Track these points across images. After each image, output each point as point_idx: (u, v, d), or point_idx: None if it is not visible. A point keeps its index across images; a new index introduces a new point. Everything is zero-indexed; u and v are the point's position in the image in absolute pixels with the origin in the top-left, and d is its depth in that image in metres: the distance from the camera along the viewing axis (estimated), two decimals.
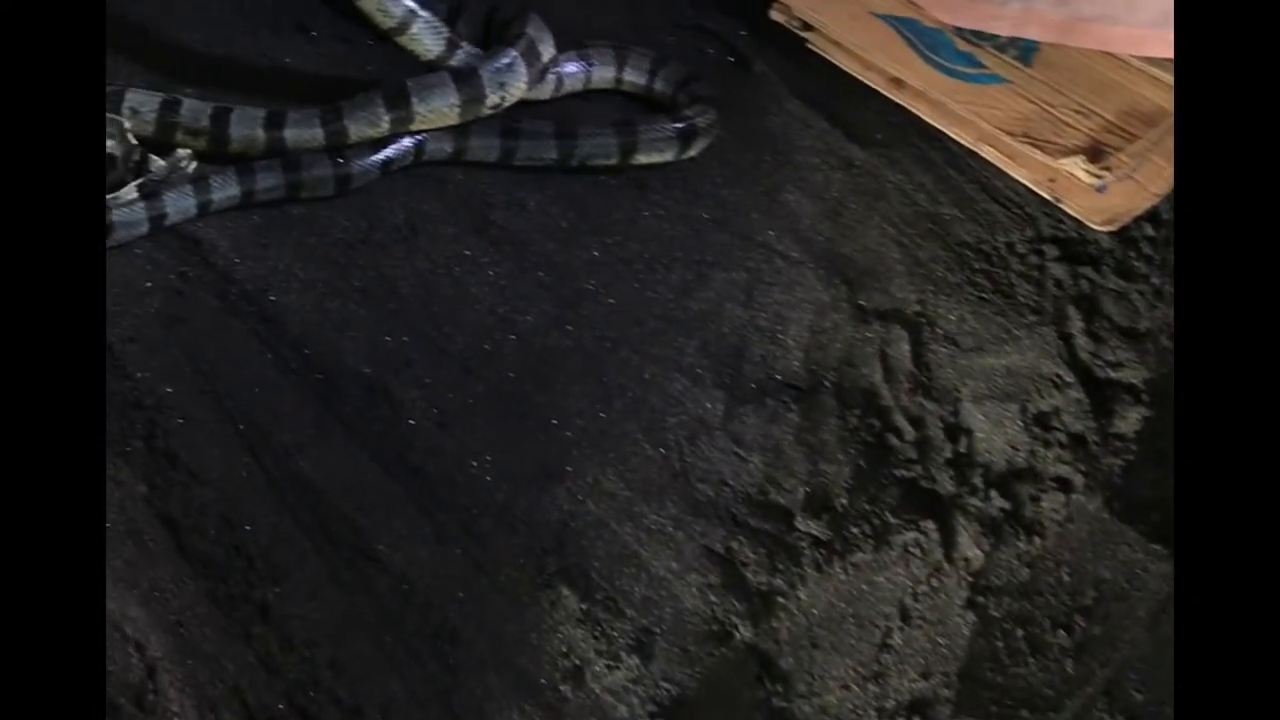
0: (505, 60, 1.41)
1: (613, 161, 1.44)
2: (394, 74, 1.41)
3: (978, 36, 1.54)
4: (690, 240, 1.40)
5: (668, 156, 1.45)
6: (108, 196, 1.32)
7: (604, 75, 1.53)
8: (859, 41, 1.54)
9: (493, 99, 1.40)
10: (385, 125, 1.38)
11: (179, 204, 1.34)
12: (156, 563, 1.12)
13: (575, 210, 1.41)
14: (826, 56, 1.55)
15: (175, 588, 1.10)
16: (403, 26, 1.40)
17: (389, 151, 1.39)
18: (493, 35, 1.47)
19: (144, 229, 1.33)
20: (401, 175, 1.40)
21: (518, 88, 1.42)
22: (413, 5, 1.39)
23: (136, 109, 1.38)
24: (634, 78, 1.54)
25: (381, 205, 1.38)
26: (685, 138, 1.45)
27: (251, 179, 1.36)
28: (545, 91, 1.49)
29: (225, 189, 1.35)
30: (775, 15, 1.57)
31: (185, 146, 1.37)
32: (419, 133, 1.40)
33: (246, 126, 1.38)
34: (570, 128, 1.44)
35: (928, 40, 1.54)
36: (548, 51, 1.45)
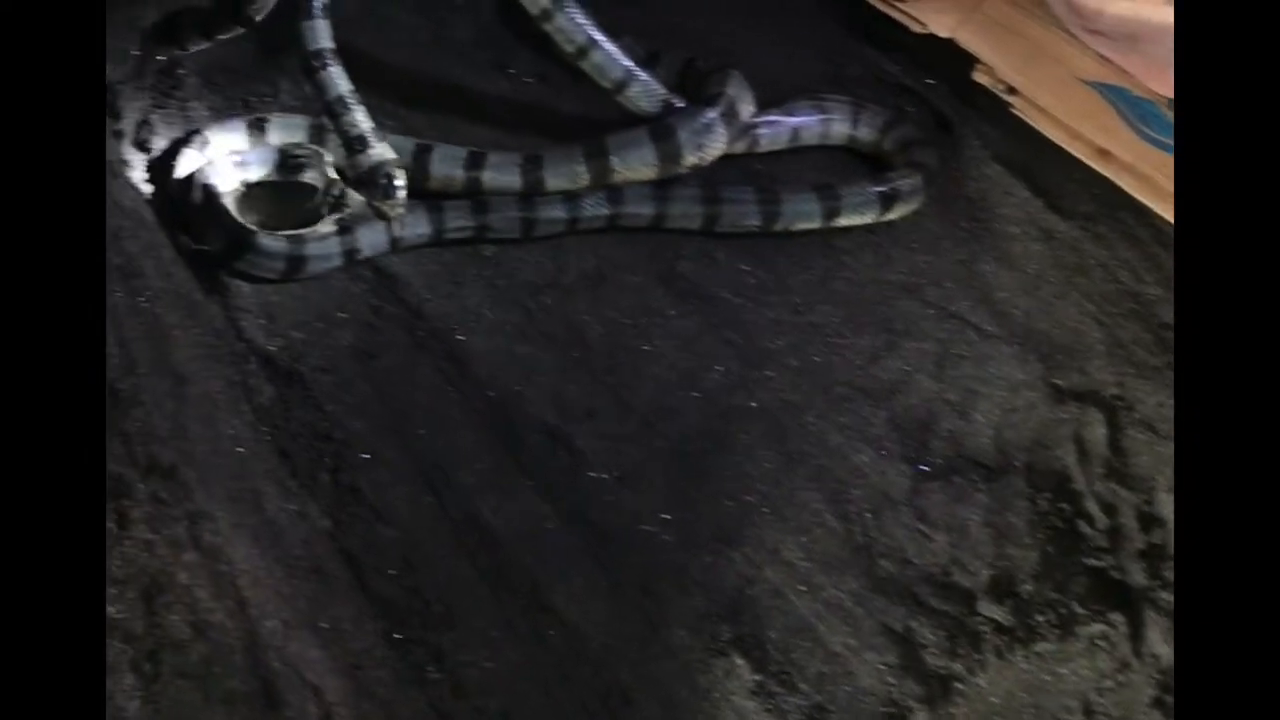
0: (705, 120, 1.42)
1: (815, 225, 1.44)
2: (590, 115, 1.43)
3: None
4: (881, 306, 1.39)
5: (868, 219, 1.45)
6: (304, 231, 1.36)
7: (841, 130, 1.54)
8: (1065, 108, 1.51)
9: (690, 158, 1.42)
10: (584, 178, 1.41)
11: (372, 239, 1.37)
12: (337, 600, 1.13)
13: (764, 268, 1.40)
14: (1030, 122, 1.52)
15: (354, 628, 1.12)
16: (619, 87, 1.43)
17: (583, 208, 1.41)
18: (690, 86, 1.48)
19: (337, 262, 1.36)
20: None
21: (716, 148, 1.44)
22: (630, 66, 1.42)
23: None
24: (867, 134, 1.54)
25: (571, 251, 1.40)
26: (887, 200, 1.44)
27: (441, 219, 1.39)
28: (780, 142, 1.52)
29: (416, 227, 1.38)
30: (979, 77, 1.54)
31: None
32: (617, 195, 1.42)
33: (448, 166, 1.41)
34: (773, 193, 1.45)
35: (1138, 111, 1.51)
36: (747, 110, 1.47)
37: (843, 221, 1.44)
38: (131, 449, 1.16)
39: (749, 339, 1.35)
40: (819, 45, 1.60)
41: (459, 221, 1.39)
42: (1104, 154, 1.49)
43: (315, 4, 1.34)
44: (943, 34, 1.56)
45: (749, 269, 1.40)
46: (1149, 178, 1.46)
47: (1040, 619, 1.22)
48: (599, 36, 1.40)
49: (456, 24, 1.46)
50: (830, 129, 1.54)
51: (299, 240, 1.35)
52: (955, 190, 1.49)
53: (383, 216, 1.32)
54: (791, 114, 1.52)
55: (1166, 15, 1.46)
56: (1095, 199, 1.48)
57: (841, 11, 1.61)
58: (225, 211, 1.36)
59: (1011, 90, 1.53)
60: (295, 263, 1.34)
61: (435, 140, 1.44)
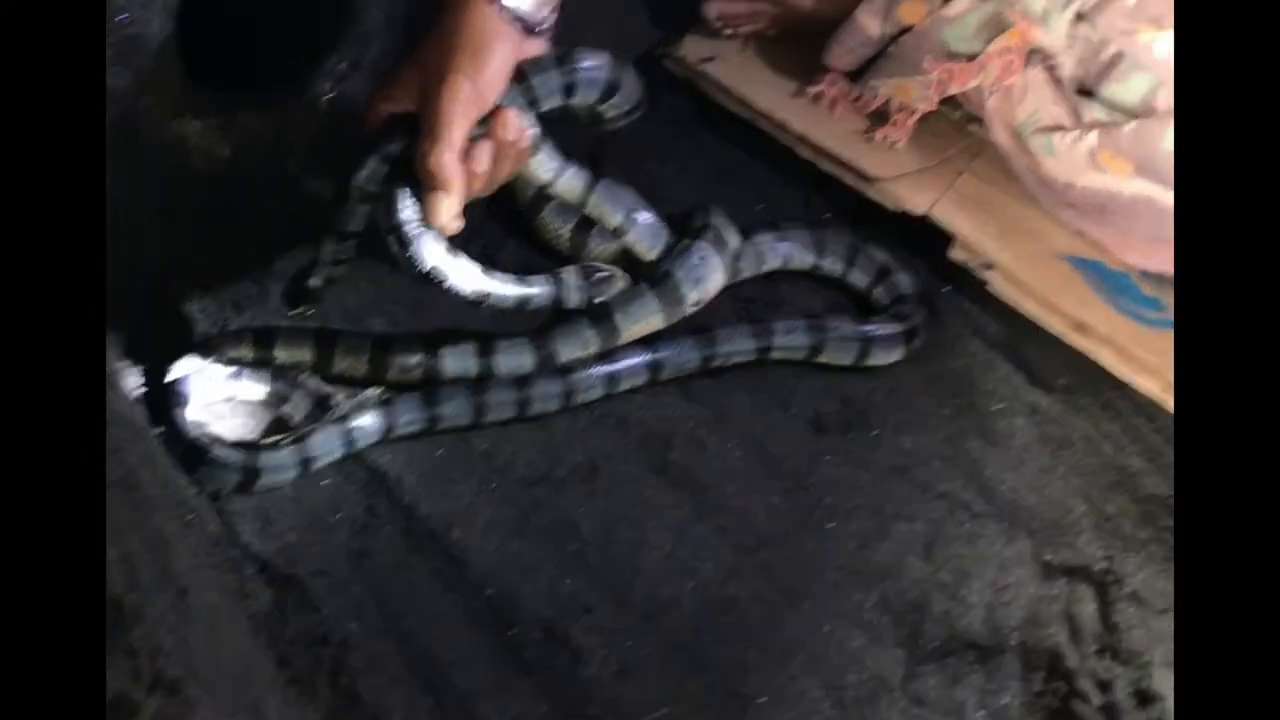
0: (697, 256, 1.52)
1: (800, 358, 1.55)
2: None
3: (1164, 280, 1.59)
4: (870, 489, 1.47)
5: (847, 362, 1.56)
6: (259, 442, 1.43)
7: (803, 259, 1.65)
8: (1042, 283, 1.60)
9: (693, 297, 1.52)
10: (594, 344, 1.50)
11: (328, 445, 1.43)
12: None
13: (754, 453, 1.49)
14: (1009, 298, 1.61)
15: None
16: (619, 232, 1.53)
17: (575, 380, 1.49)
18: (674, 229, 1.57)
19: (292, 474, 1.42)
20: (584, 413, 1.50)
21: (715, 280, 1.54)
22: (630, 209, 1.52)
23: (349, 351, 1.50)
24: (831, 265, 1.65)
25: (562, 443, 1.48)
26: (866, 346, 1.56)
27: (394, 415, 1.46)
28: (747, 270, 1.61)
29: (406, 414, 1.46)
30: (956, 254, 1.64)
31: (400, 384, 1.48)
32: (608, 363, 1.51)
33: (460, 359, 1.49)
34: (767, 325, 1.55)
35: (1113, 283, 1.60)
36: (734, 239, 1.57)
37: (824, 359, 1.55)
38: (137, 665, 1.22)
39: (742, 526, 1.43)
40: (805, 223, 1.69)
41: (449, 410, 1.47)
42: (1081, 327, 1.58)
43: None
44: (919, 212, 1.66)
45: (739, 455, 1.48)
46: (1126, 350, 1.55)
47: None
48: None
49: None
50: (822, 262, 1.65)
51: (253, 452, 1.41)
52: (939, 368, 1.58)
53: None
54: (784, 240, 1.64)
55: (1136, 188, 1.56)
56: (1075, 372, 1.57)
57: (823, 192, 1.71)
58: (182, 421, 1.41)
59: (989, 266, 1.62)
60: (249, 474, 1.40)
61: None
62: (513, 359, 1.49)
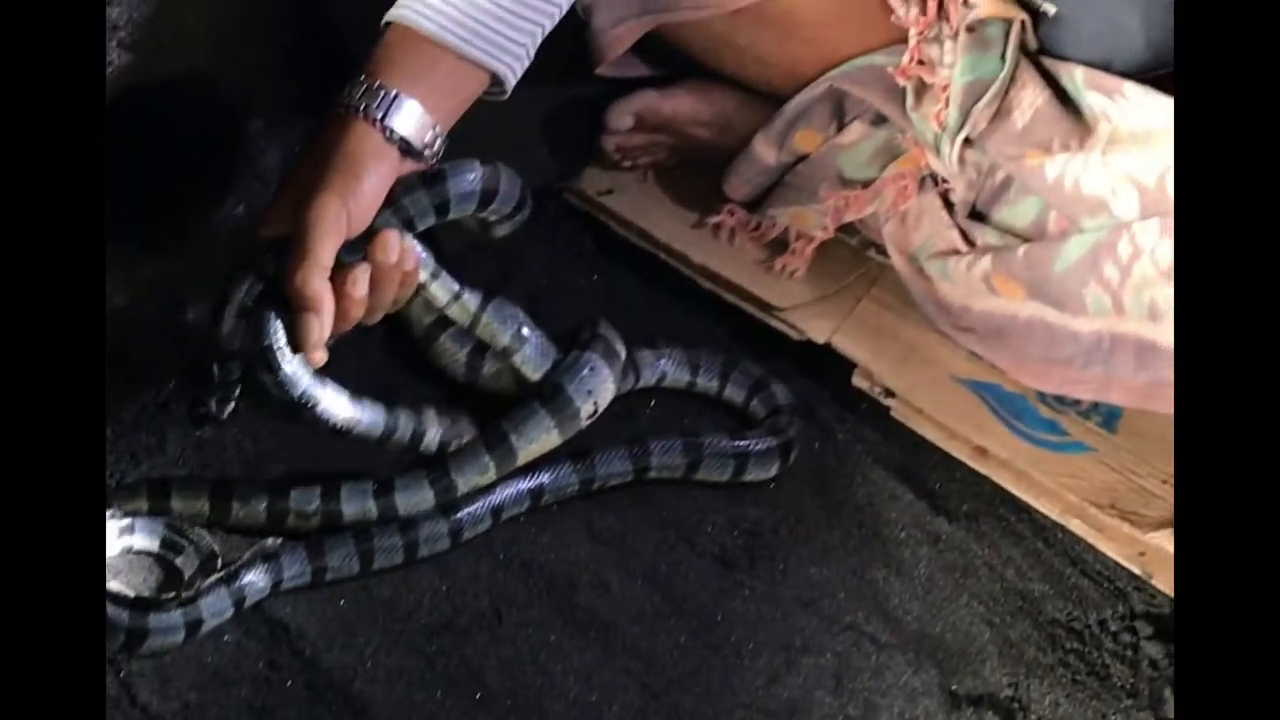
0: (587, 367, 1.52)
1: (678, 476, 1.57)
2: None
3: (1060, 402, 1.63)
4: (778, 623, 1.47)
5: (723, 478, 1.58)
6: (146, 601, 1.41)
7: (678, 376, 1.67)
8: (942, 408, 1.64)
9: (586, 409, 1.51)
10: (491, 470, 1.49)
11: (217, 606, 1.41)
12: None
13: (660, 592, 1.49)
14: (910, 424, 1.64)
15: None
16: (508, 353, 1.53)
17: (460, 517, 1.48)
18: (562, 344, 1.58)
19: (180, 636, 1.39)
20: (487, 556, 1.50)
21: (607, 391, 1.54)
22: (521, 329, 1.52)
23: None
24: (706, 382, 1.67)
25: (465, 588, 1.47)
26: (742, 463, 1.58)
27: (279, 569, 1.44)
28: (624, 387, 1.61)
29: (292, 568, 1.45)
30: (857, 381, 1.67)
31: (297, 532, 1.47)
32: (491, 494, 1.50)
33: (358, 500, 1.48)
34: (644, 442, 1.56)
35: (1010, 406, 1.64)
36: (622, 349, 1.58)
37: (701, 477, 1.57)
38: None
39: (649, 667, 1.42)
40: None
41: (336, 560, 1.45)
42: (981, 452, 1.61)
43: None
44: (820, 340, 1.69)
45: (645, 594, 1.49)
46: (1025, 473, 1.58)
47: None
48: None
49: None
50: (697, 380, 1.68)
51: (142, 612, 1.38)
52: (843, 498, 1.60)
53: None
54: (661, 357, 1.67)
55: (1030, 310, 1.59)
56: (977, 498, 1.60)
57: (729, 321, 1.74)
58: None
59: (889, 393, 1.65)
60: (135, 635, 1.37)
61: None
62: (412, 495, 1.48)
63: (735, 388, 1.67)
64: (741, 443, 1.59)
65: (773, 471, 1.60)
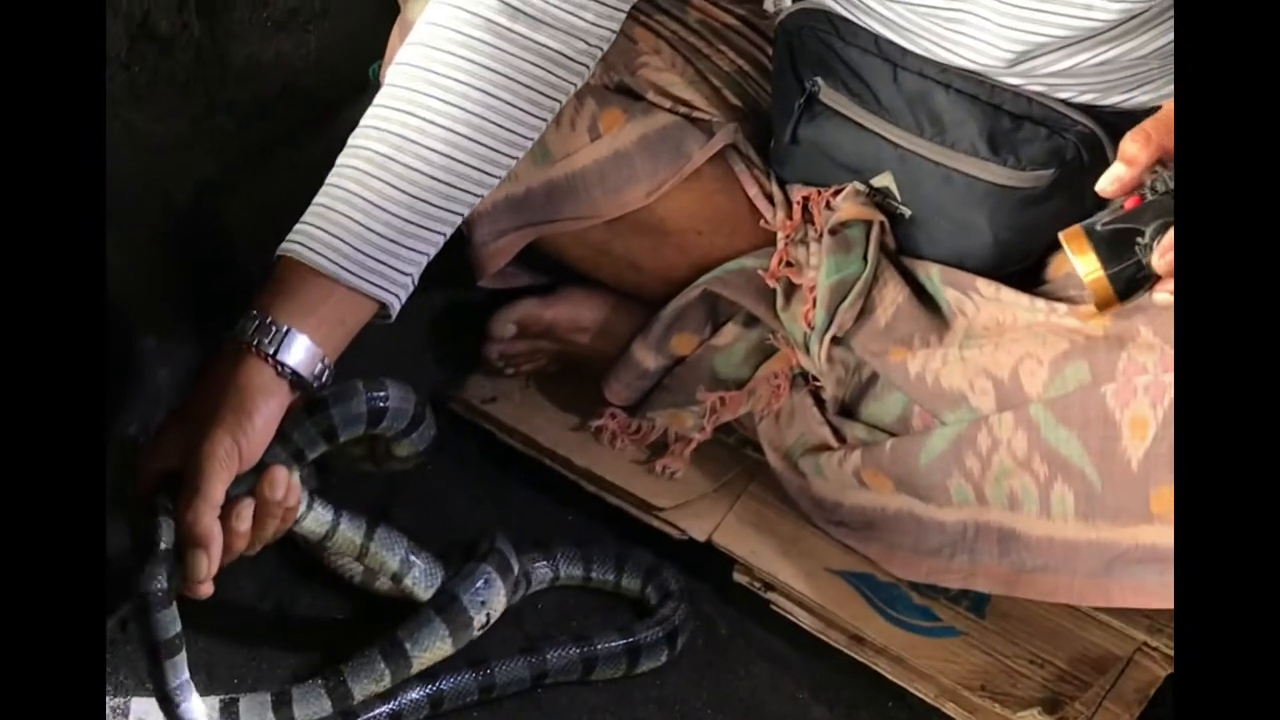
0: (482, 579, 1.58)
1: (574, 679, 1.61)
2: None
3: (931, 589, 1.72)
4: None
5: (618, 674, 1.63)
6: None
7: (572, 572, 1.72)
8: (819, 599, 1.71)
9: (479, 619, 1.57)
10: (387, 677, 1.52)
11: None
12: None
13: None
14: (790, 616, 1.71)
15: None
16: (397, 579, 1.57)
17: None
18: (456, 557, 1.64)
19: None
20: None
21: (499, 601, 1.59)
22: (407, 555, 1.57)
23: None
24: (601, 575, 1.73)
25: None
26: (633, 654, 1.63)
27: None
28: (519, 592, 1.66)
29: None
30: (738, 577, 1.74)
31: None
32: (391, 702, 1.53)
33: (256, 713, 1.49)
34: (539, 649, 1.60)
35: (884, 595, 1.72)
36: (515, 564, 1.63)
37: (596, 677, 1.61)
38: None
39: None
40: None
41: None
42: (858, 640, 1.68)
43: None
44: (701, 538, 1.76)
45: None
46: (900, 659, 1.66)
47: None
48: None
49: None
50: (591, 574, 1.73)
51: None
52: (727, 691, 1.65)
53: None
54: (552, 558, 1.72)
55: (899, 503, 1.69)
56: (854, 685, 1.66)
57: (614, 523, 1.82)
58: None
59: (769, 587, 1.73)
60: None
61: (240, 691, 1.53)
62: (309, 706, 1.51)
63: (630, 577, 1.73)
64: (632, 638, 1.64)
65: (663, 660, 1.65)
